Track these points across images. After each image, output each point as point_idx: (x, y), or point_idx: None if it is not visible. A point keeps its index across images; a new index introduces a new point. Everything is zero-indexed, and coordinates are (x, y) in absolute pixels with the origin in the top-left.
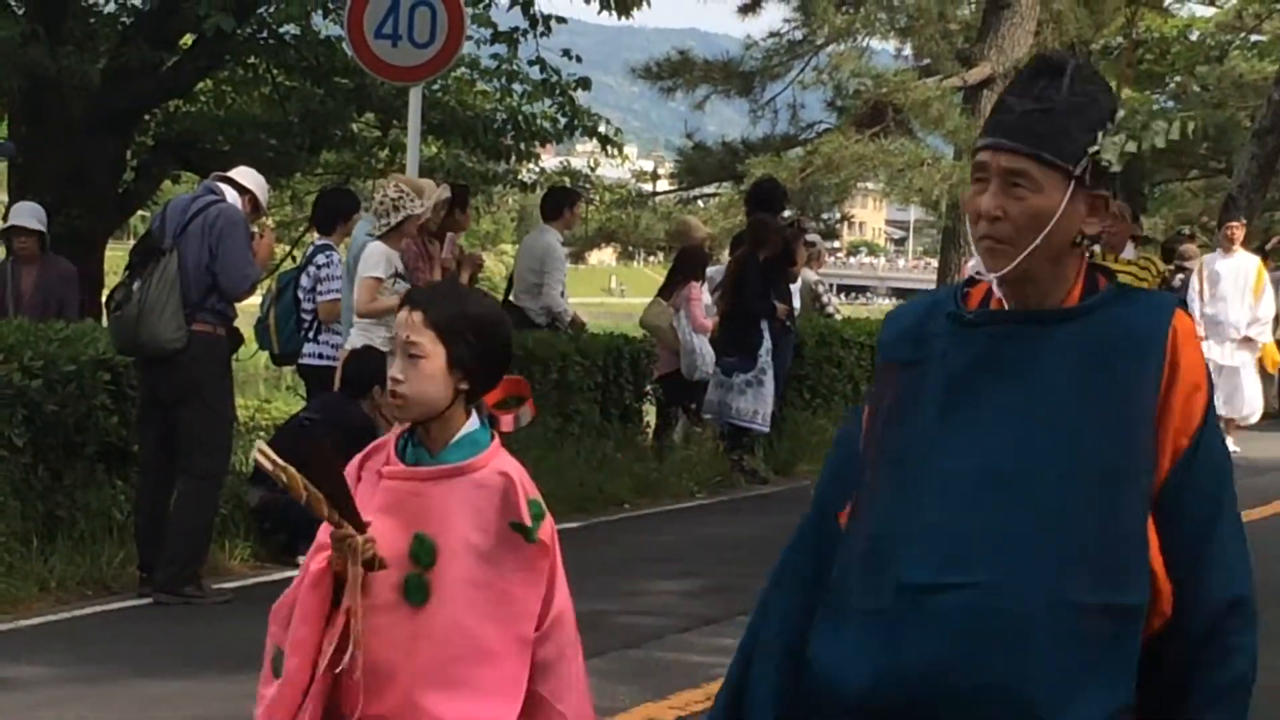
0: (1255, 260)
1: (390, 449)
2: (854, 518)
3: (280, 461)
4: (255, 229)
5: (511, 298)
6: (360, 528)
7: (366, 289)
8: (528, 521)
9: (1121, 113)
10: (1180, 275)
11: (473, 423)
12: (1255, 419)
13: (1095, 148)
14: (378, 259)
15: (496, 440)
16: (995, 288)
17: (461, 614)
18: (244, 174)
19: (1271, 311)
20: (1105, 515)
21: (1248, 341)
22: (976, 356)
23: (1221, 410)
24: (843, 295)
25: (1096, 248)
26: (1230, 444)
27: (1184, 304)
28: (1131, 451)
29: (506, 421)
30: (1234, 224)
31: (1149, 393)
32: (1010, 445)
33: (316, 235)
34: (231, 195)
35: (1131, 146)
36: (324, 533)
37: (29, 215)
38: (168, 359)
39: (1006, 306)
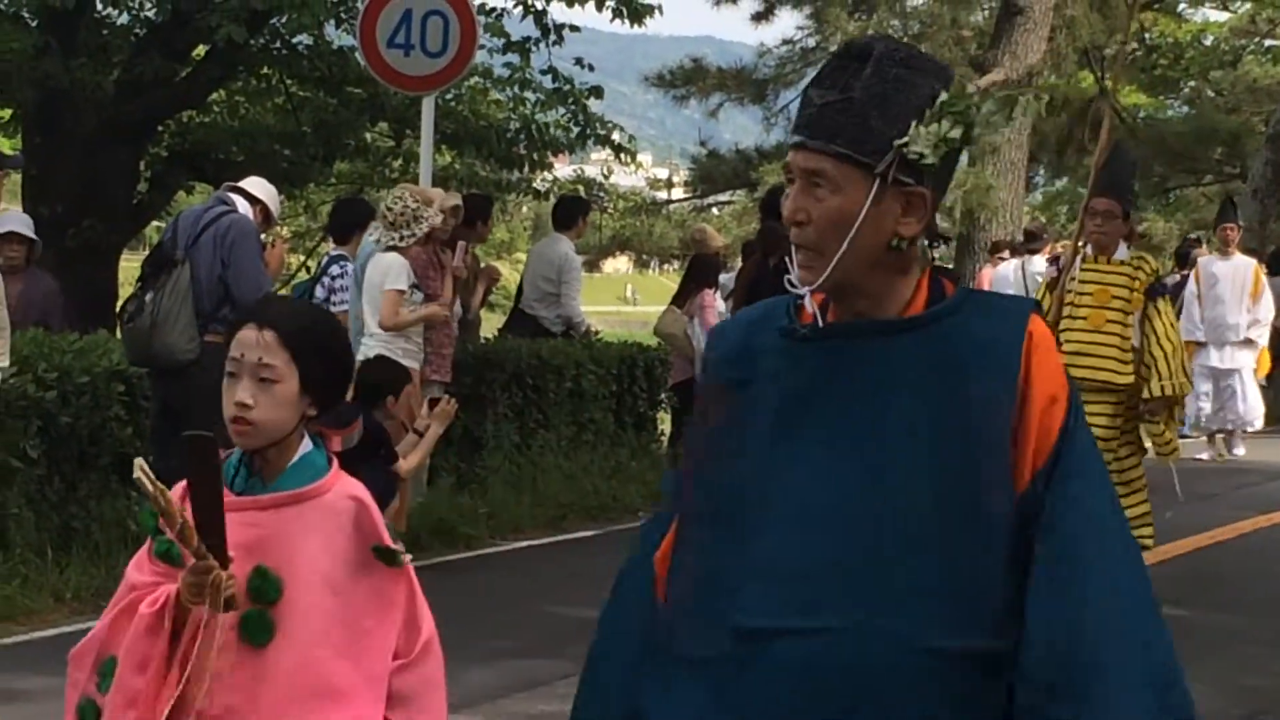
0: (1252, 262)
1: None
2: (678, 559)
3: (159, 485)
4: (267, 239)
5: (522, 306)
6: (225, 562)
7: (391, 302)
8: (392, 544)
9: (944, 96)
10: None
11: (306, 444)
12: (1259, 424)
13: (903, 140)
14: (399, 271)
15: (335, 462)
16: (808, 302)
17: (310, 652)
18: (255, 184)
19: (1271, 313)
20: (961, 548)
21: (1248, 344)
22: (811, 375)
23: (1216, 418)
24: None
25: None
26: (1239, 450)
27: (1039, 307)
28: (988, 476)
29: (336, 441)
30: (1229, 226)
31: (1003, 410)
32: (852, 473)
33: (332, 245)
34: (243, 206)
35: (957, 133)
36: (136, 570)
37: (21, 223)
38: (181, 370)
39: (841, 319)
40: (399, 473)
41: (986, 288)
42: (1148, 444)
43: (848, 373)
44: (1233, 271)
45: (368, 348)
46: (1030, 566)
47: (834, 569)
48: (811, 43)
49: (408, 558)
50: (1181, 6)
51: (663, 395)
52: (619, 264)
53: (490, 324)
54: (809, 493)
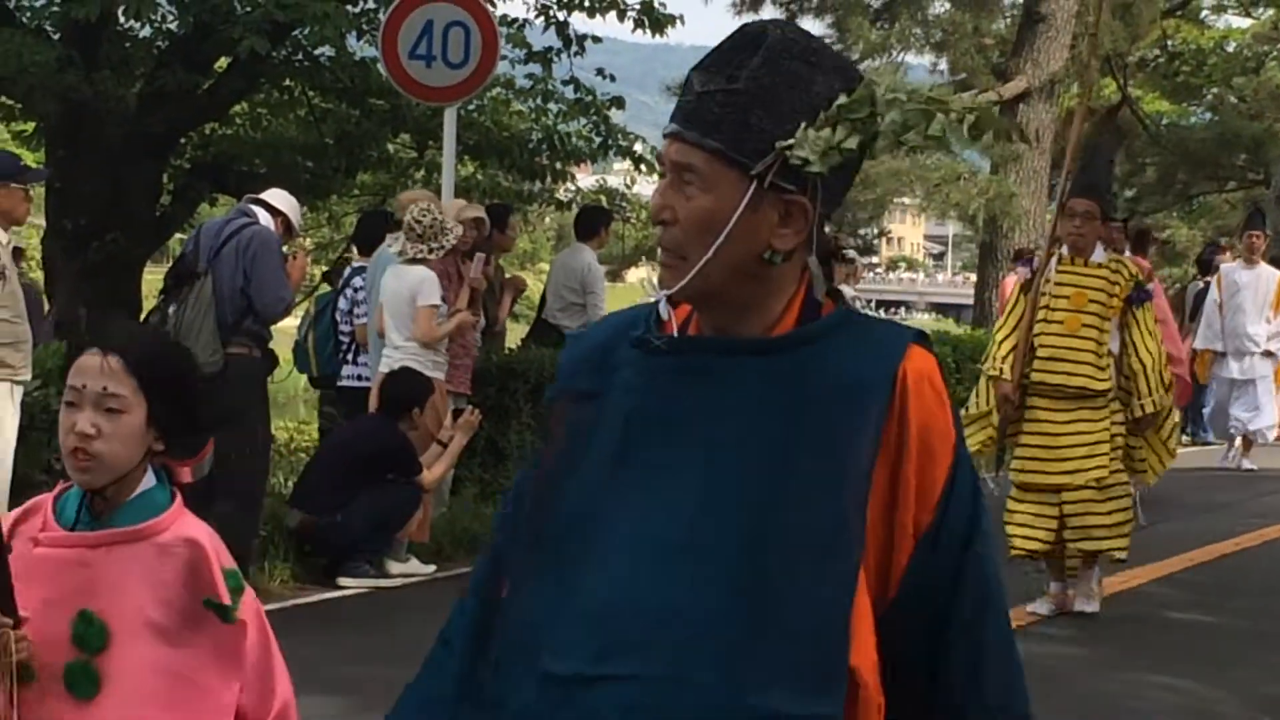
0: (1276, 273)
1: (48, 510)
2: (510, 594)
3: None
4: (289, 250)
5: (545, 316)
6: (15, 619)
7: (427, 318)
8: (225, 599)
9: (843, 99)
10: None
11: (149, 479)
12: (1273, 436)
13: (787, 142)
14: (433, 286)
15: (178, 499)
16: (662, 308)
17: (139, 708)
18: (276, 196)
19: None
20: (798, 601)
21: (1268, 355)
22: (661, 393)
23: (1241, 425)
24: (882, 310)
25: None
26: (1246, 463)
27: (923, 338)
28: (837, 523)
29: (185, 473)
30: (1255, 233)
31: (863, 452)
32: (691, 507)
33: (356, 256)
34: (264, 217)
35: (853, 143)
36: None
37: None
38: (204, 382)
39: (704, 332)
40: (423, 484)
41: (1009, 295)
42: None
43: (698, 393)
44: (1256, 281)
45: (392, 360)
46: (915, 641)
47: (658, 614)
48: None
49: (254, 607)
50: (1204, 13)
51: None
52: (641, 273)
53: (515, 334)
54: (642, 525)
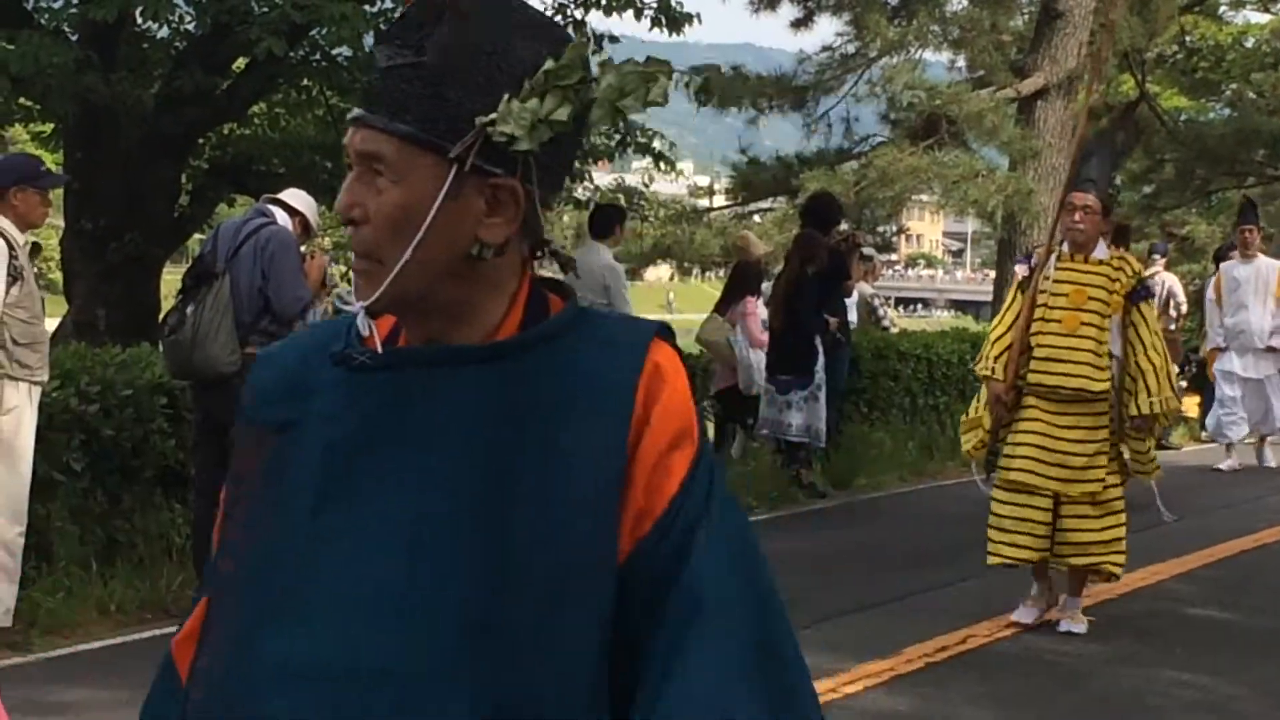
0: (1276, 264)
1: None
2: (196, 659)
3: None
4: (306, 250)
5: None
6: None
7: None
8: None
9: (551, 65)
10: None
11: None
12: None
13: (489, 117)
14: None
15: None
16: (361, 322)
17: None
18: (294, 196)
19: None
20: (539, 654)
21: (1272, 351)
22: (367, 417)
23: (1250, 426)
24: (901, 308)
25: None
26: (1270, 459)
27: (666, 331)
28: (583, 555)
29: None
30: (1249, 228)
31: (608, 467)
32: (405, 549)
33: None
34: (282, 217)
35: (564, 113)
36: None
37: None
38: (223, 382)
39: (414, 343)
40: None
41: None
42: (1126, 455)
43: (410, 414)
44: (1254, 274)
45: None
46: (628, 672)
47: (367, 675)
48: (851, 49)
49: None
50: (1222, 9)
51: (706, 403)
52: (660, 272)
53: None
54: (351, 574)
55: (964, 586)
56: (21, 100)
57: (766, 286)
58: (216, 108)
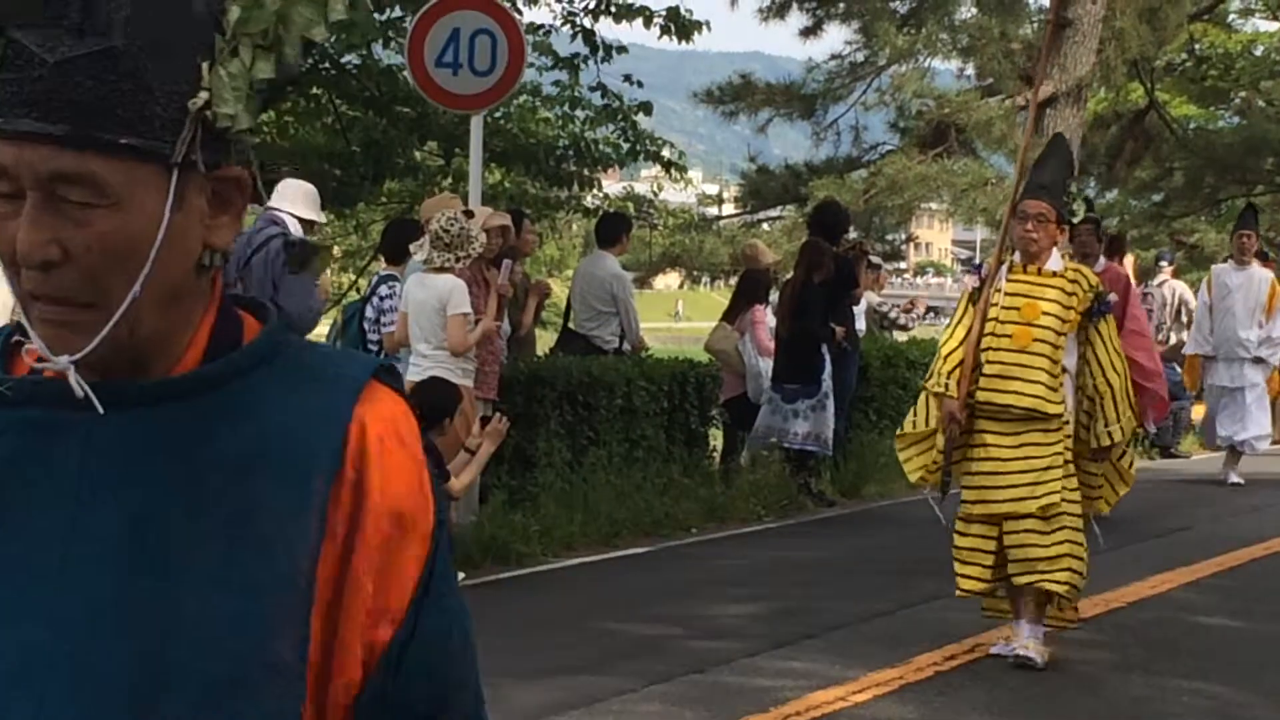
0: (1269, 274)
1: None
2: None
3: None
4: (314, 238)
5: (573, 325)
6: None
7: (459, 326)
8: None
9: (237, 10)
10: None
11: None
12: (1264, 446)
13: (202, 98)
14: (463, 294)
15: None
16: (73, 382)
17: None
18: (292, 194)
19: None
20: None
21: (1258, 362)
22: (9, 463)
23: (1228, 436)
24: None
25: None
26: (1234, 477)
27: (388, 373)
28: (262, 656)
29: None
30: (1246, 233)
31: (299, 544)
32: (49, 627)
33: (383, 265)
34: (294, 226)
35: (268, 69)
36: None
37: None
38: None
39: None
40: (451, 492)
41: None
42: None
43: (60, 463)
44: (1248, 283)
45: (420, 368)
46: None
47: None
48: (860, 57)
49: None
50: (1232, 17)
51: (714, 411)
52: (669, 280)
53: (544, 342)
54: None
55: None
56: None
57: (775, 295)
58: None
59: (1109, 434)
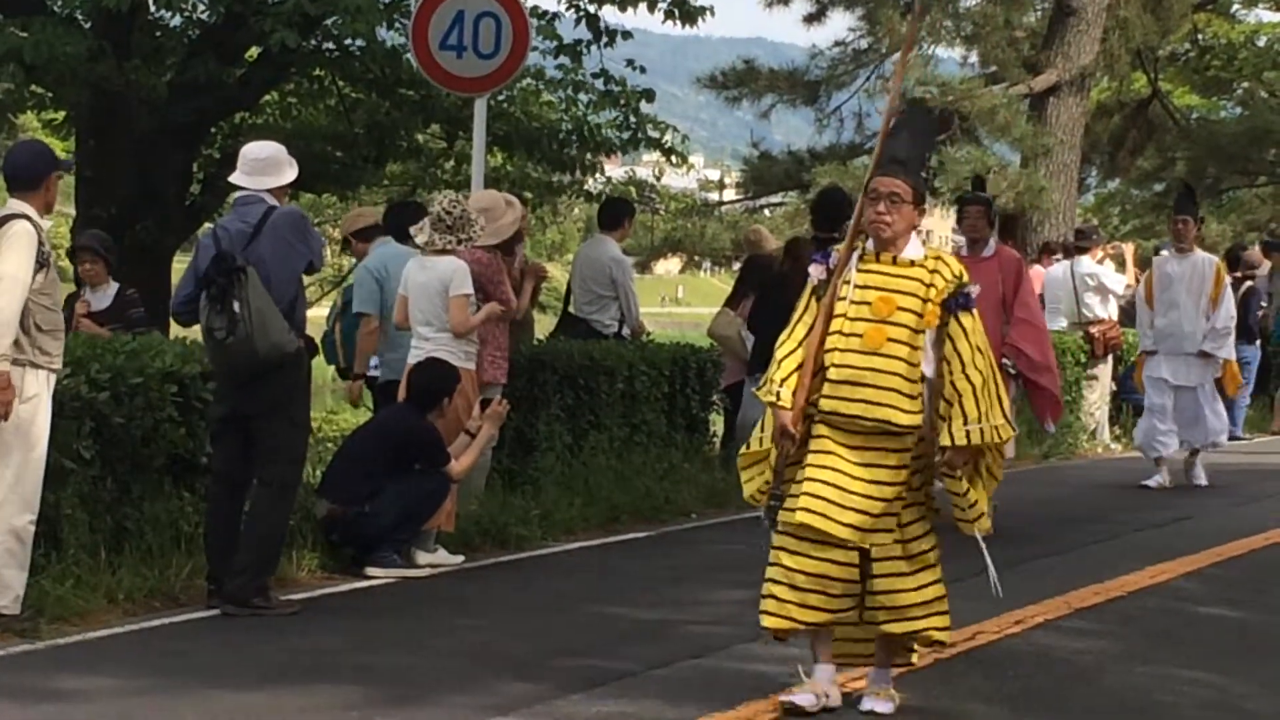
0: (1213, 259)
1: None
2: None
3: None
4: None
5: (572, 310)
6: None
7: (461, 307)
8: None
9: None
10: (1248, 283)
11: None
12: (1223, 441)
13: None
14: (465, 276)
15: None
16: None
17: None
18: (260, 169)
19: (1232, 322)
20: None
21: (1205, 356)
22: None
23: (1188, 440)
24: None
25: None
26: (1200, 476)
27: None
28: None
29: None
30: (1183, 219)
31: None
32: None
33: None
34: (272, 200)
35: None
36: None
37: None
38: (285, 362)
39: None
40: (451, 474)
41: (1038, 288)
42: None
43: None
44: (1190, 271)
45: (422, 351)
46: None
47: None
48: (864, 44)
49: None
50: (1235, 7)
51: (715, 397)
52: (669, 265)
53: (543, 326)
54: None
55: (971, 583)
56: (34, 87)
57: None
58: (229, 97)
59: (967, 433)
